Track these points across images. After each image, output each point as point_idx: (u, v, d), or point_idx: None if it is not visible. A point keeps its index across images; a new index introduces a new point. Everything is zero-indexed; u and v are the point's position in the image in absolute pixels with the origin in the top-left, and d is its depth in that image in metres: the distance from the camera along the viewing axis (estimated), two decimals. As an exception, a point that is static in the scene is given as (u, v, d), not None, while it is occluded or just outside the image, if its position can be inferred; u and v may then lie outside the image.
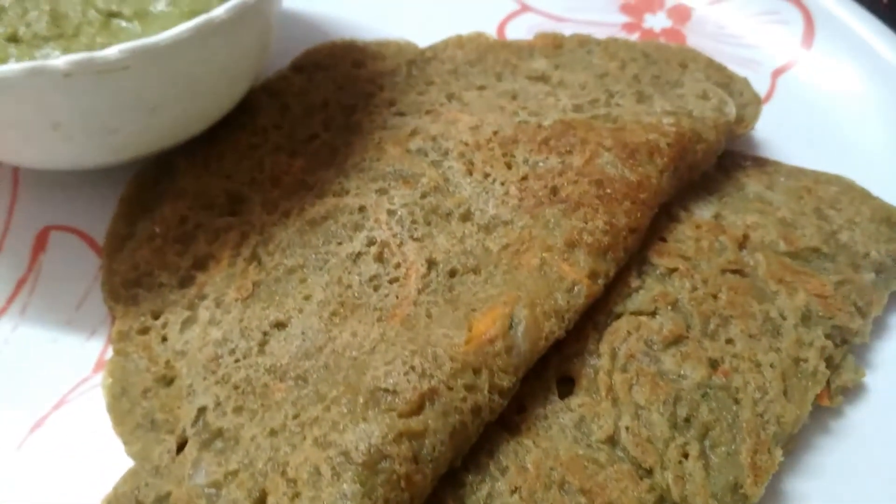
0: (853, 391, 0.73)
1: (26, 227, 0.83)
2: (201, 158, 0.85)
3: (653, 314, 0.72)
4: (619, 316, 0.72)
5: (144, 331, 0.73)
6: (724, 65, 0.92)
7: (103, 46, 0.82)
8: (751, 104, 0.88)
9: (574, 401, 0.68)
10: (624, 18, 1.08)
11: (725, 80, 0.90)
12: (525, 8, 1.09)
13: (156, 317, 0.74)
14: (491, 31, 1.06)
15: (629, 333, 0.71)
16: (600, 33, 1.06)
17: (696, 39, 1.05)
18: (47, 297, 0.78)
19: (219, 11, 0.70)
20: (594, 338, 0.71)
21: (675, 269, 0.75)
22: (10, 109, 0.70)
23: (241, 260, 0.76)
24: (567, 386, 0.70)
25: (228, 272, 0.75)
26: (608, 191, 0.75)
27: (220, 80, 0.80)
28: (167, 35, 0.68)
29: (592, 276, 0.70)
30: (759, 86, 0.99)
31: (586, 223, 0.73)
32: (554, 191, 0.77)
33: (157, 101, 0.75)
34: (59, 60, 0.65)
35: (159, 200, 0.83)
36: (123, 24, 0.87)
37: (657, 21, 1.08)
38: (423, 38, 1.00)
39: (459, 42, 0.97)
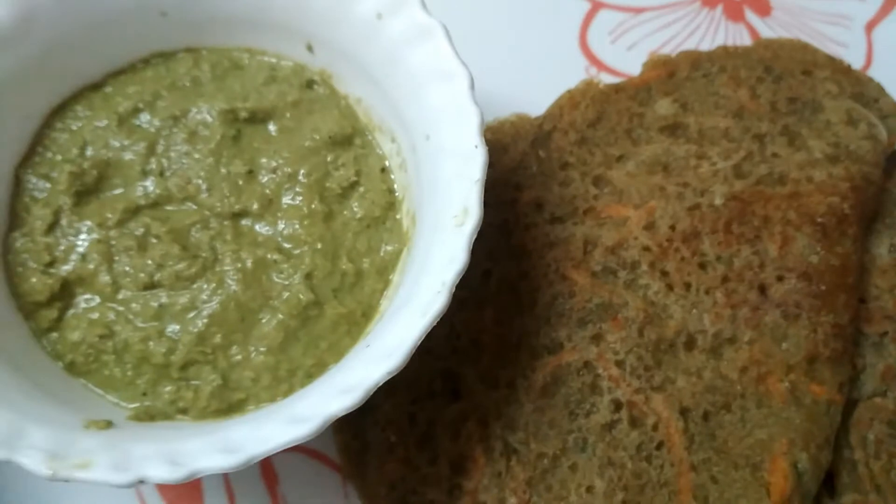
0: None
1: (244, 460, 0.81)
2: (388, 336, 0.81)
3: (884, 394, 0.78)
4: (855, 402, 0.78)
5: (448, 560, 0.76)
6: (847, 64, 0.89)
7: (249, 263, 0.76)
8: (892, 115, 0.87)
9: (845, 499, 0.76)
10: (699, -11, 1.01)
11: (857, 88, 0.88)
12: (598, 5, 1.00)
13: (448, 540, 0.76)
14: (573, 42, 0.99)
15: (871, 420, 0.78)
16: (683, 17, 1.00)
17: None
18: (312, 534, 0.79)
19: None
20: (841, 428, 0.78)
21: (885, 333, 0.80)
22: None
23: (497, 455, 0.77)
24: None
25: (490, 472, 0.76)
26: (822, 287, 0.77)
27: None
28: None
29: (840, 388, 0.75)
30: (856, 48, 0.98)
31: (815, 331, 0.76)
32: (762, 290, 0.79)
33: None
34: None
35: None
36: (251, 223, 0.80)
37: (733, -17, 1.01)
38: (515, 75, 0.94)
39: (572, 101, 0.90)
